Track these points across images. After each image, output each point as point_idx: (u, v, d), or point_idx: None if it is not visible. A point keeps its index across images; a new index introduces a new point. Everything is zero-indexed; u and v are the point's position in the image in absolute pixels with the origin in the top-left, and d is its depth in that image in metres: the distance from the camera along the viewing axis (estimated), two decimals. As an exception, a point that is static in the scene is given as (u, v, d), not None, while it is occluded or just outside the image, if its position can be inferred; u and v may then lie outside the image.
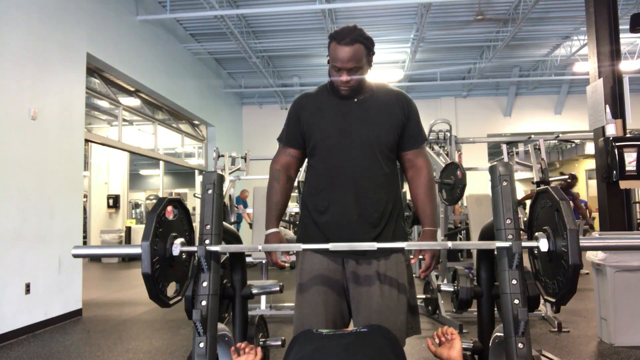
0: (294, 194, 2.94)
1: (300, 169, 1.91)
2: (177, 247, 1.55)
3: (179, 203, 1.68)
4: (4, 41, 4.04)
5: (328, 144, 1.70)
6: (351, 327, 1.67)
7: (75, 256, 1.59)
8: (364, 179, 1.67)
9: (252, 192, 4.82)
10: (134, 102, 7.68)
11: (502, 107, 12.18)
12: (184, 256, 1.62)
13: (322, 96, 1.76)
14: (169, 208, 1.65)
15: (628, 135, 4.20)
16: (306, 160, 1.84)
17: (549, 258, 1.46)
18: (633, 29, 4.49)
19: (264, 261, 4.24)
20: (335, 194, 1.68)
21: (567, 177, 6.15)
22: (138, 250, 1.44)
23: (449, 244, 1.52)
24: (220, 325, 1.73)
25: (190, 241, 1.68)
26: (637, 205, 7.48)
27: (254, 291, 1.92)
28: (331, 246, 1.52)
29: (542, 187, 1.56)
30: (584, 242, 1.40)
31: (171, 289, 1.58)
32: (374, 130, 1.68)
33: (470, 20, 8.01)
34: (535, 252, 1.50)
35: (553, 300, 1.44)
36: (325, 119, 1.71)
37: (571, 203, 8.57)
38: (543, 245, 1.44)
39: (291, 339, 1.41)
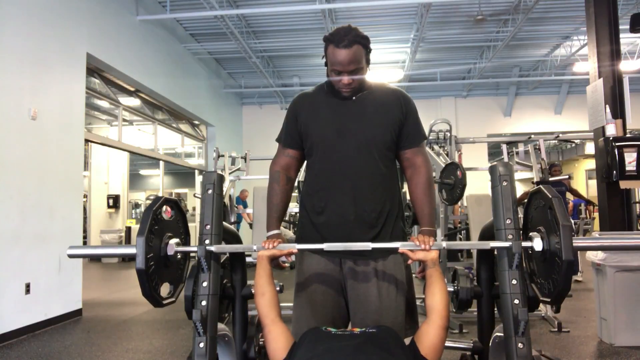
0: (294, 194, 2.94)
1: (301, 169, 1.91)
2: (172, 246, 1.55)
3: (175, 204, 1.69)
4: (4, 41, 4.04)
5: (325, 144, 1.69)
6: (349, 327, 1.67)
7: (71, 256, 1.60)
8: (361, 178, 1.66)
9: (252, 192, 4.82)
10: (134, 102, 7.68)
11: (502, 107, 12.18)
12: (179, 256, 1.62)
13: (319, 96, 1.75)
14: (168, 208, 1.66)
15: (628, 135, 4.20)
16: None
17: (543, 258, 1.46)
18: (633, 29, 4.49)
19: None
20: (332, 194, 1.67)
21: (567, 176, 6.16)
22: (133, 250, 1.45)
23: (444, 244, 1.53)
24: (220, 325, 1.73)
25: (185, 244, 1.68)
26: (637, 205, 7.47)
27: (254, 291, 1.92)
28: (325, 246, 1.52)
29: (535, 187, 1.57)
30: (578, 242, 1.41)
31: (165, 290, 1.58)
32: (371, 129, 1.67)
33: (470, 20, 8.01)
34: (530, 252, 1.51)
35: (548, 300, 1.45)
36: (322, 119, 1.70)
37: (571, 204, 8.48)
38: (537, 244, 1.45)
39: (300, 336, 1.41)
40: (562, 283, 1.35)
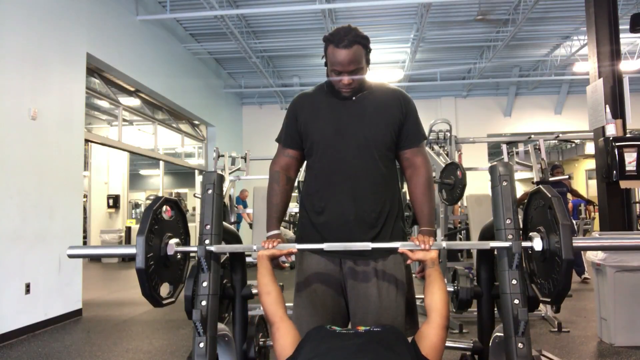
0: (294, 194, 2.94)
1: (300, 169, 1.90)
2: (172, 246, 1.55)
3: (175, 205, 1.69)
4: (4, 41, 4.04)
5: (324, 144, 1.69)
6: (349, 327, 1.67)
7: (71, 256, 1.60)
8: (361, 178, 1.66)
9: (252, 192, 4.82)
10: (134, 102, 7.69)
11: (502, 107, 12.18)
12: (179, 256, 1.62)
13: (319, 96, 1.75)
14: (168, 208, 1.66)
15: (628, 135, 4.20)
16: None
17: (543, 258, 1.46)
18: (633, 29, 4.49)
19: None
20: (331, 194, 1.67)
21: (567, 177, 6.16)
22: (133, 250, 1.44)
23: (444, 244, 1.53)
24: (220, 325, 1.73)
25: (185, 244, 1.68)
26: (637, 205, 7.47)
27: (254, 291, 1.92)
28: (325, 246, 1.52)
29: (534, 188, 1.57)
30: (578, 242, 1.41)
31: (165, 291, 1.58)
32: (371, 129, 1.67)
33: (470, 20, 8.01)
34: (530, 252, 1.50)
35: (549, 300, 1.45)
36: (321, 119, 1.70)
37: (571, 204, 8.44)
38: (537, 244, 1.45)
39: (304, 335, 1.41)
40: (562, 282, 1.35)
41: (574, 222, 7.35)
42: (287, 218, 9.26)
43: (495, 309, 1.76)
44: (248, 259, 2.25)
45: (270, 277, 1.52)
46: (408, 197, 1.79)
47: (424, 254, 1.49)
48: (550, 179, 4.80)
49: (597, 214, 4.81)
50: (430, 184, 1.72)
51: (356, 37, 1.57)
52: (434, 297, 1.42)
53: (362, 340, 1.31)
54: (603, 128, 4.18)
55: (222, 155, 5.78)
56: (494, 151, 15.32)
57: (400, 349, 1.30)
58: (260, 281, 1.52)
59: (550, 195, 1.42)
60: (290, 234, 8.60)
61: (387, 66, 10.03)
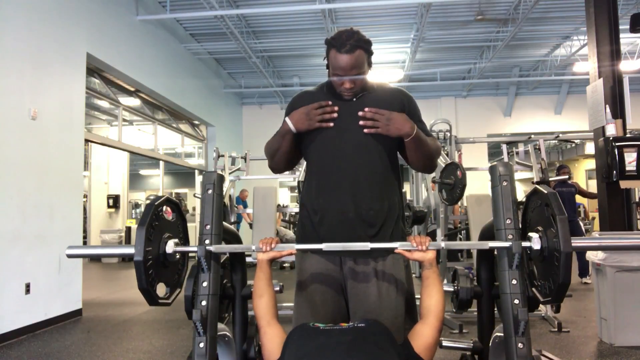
0: (294, 194, 2.94)
1: (301, 169, 1.90)
2: (171, 245, 1.55)
3: (176, 207, 1.68)
4: (4, 41, 4.04)
5: (324, 144, 1.69)
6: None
7: (70, 256, 1.59)
8: (361, 177, 1.65)
9: (252, 192, 4.82)
10: (134, 102, 7.69)
11: (502, 107, 12.18)
12: (177, 257, 1.61)
13: (320, 95, 1.75)
14: (169, 208, 1.65)
15: (628, 135, 4.20)
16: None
17: (542, 257, 1.46)
18: (633, 29, 4.49)
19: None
20: (331, 193, 1.67)
21: (567, 177, 6.14)
22: (132, 250, 1.44)
23: (442, 244, 1.53)
24: (220, 325, 1.73)
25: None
26: (637, 205, 7.46)
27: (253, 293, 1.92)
28: (324, 246, 1.52)
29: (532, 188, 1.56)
30: (578, 242, 1.41)
31: (161, 292, 1.56)
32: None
33: (470, 20, 8.01)
34: (529, 252, 1.50)
35: (549, 298, 1.44)
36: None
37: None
38: (535, 243, 1.44)
39: (288, 333, 1.42)
40: (562, 276, 1.33)
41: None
42: (287, 218, 9.24)
43: (495, 309, 1.76)
44: (248, 259, 2.25)
45: (266, 281, 1.54)
46: (408, 197, 1.78)
47: (421, 255, 1.49)
48: (552, 178, 4.80)
49: (596, 214, 4.81)
50: (433, 154, 1.71)
51: (358, 41, 1.57)
52: (432, 300, 1.44)
53: (351, 338, 1.32)
54: (603, 128, 4.18)
55: (222, 155, 5.77)
56: (494, 151, 15.31)
57: (385, 345, 1.32)
58: (256, 284, 1.54)
59: (546, 192, 1.42)
60: (290, 233, 8.60)
61: (387, 66, 10.03)
